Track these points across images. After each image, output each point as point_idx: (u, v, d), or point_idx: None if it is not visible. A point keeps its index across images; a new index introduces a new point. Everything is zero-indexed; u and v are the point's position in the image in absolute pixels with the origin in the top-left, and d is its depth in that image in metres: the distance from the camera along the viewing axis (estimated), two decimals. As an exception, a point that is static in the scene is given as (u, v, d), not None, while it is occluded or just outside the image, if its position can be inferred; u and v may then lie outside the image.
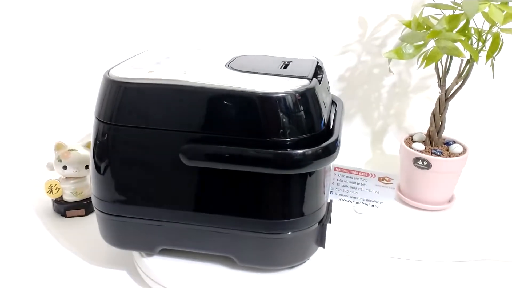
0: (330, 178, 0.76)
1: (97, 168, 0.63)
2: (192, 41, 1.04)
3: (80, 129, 1.02)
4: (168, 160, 0.59)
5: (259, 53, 0.74)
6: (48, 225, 0.83)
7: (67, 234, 0.80)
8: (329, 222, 0.69)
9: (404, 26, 0.89)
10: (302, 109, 0.57)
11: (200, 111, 0.57)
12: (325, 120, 0.60)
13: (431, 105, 0.91)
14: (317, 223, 0.63)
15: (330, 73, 1.05)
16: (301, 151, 0.56)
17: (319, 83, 0.62)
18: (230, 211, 0.60)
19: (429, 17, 0.85)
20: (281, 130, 0.56)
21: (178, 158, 0.58)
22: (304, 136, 0.57)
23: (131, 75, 0.61)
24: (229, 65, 0.65)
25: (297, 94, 0.56)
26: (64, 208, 0.85)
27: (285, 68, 0.65)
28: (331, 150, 0.57)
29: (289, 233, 0.61)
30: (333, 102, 0.73)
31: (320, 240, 0.66)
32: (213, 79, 0.58)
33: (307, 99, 0.57)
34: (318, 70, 0.67)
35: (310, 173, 0.59)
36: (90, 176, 0.66)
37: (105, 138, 0.62)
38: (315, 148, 0.56)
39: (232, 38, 1.03)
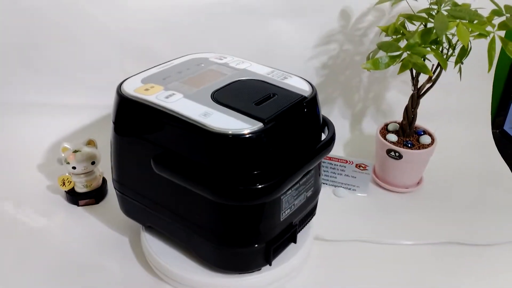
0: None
1: (111, 157, 0.78)
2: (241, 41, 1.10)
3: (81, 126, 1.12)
4: (146, 162, 0.69)
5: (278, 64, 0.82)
6: (64, 213, 0.95)
7: (81, 220, 0.93)
8: (295, 242, 0.76)
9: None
10: (244, 151, 0.61)
11: (166, 132, 0.67)
12: (276, 161, 0.64)
13: (407, 87, 0.99)
14: (264, 244, 0.70)
15: (315, 62, 1.13)
16: (236, 188, 0.62)
17: (279, 126, 0.64)
18: (187, 217, 0.71)
19: (406, 21, 0.92)
20: (224, 167, 0.62)
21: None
22: (251, 173, 0.62)
23: (130, 89, 0.71)
24: (215, 93, 0.69)
25: (234, 137, 0.61)
26: (77, 199, 0.96)
27: (260, 103, 0.67)
28: (270, 190, 0.63)
29: (234, 249, 0.71)
30: (327, 125, 0.75)
31: (267, 259, 0.72)
32: (183, 107, 0.65)
33: (250, 144, 0.61)
34: (298, 108, 0.68)
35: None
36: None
37: (113, 138, 0.75)
38: (252, 187, 0.62)
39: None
